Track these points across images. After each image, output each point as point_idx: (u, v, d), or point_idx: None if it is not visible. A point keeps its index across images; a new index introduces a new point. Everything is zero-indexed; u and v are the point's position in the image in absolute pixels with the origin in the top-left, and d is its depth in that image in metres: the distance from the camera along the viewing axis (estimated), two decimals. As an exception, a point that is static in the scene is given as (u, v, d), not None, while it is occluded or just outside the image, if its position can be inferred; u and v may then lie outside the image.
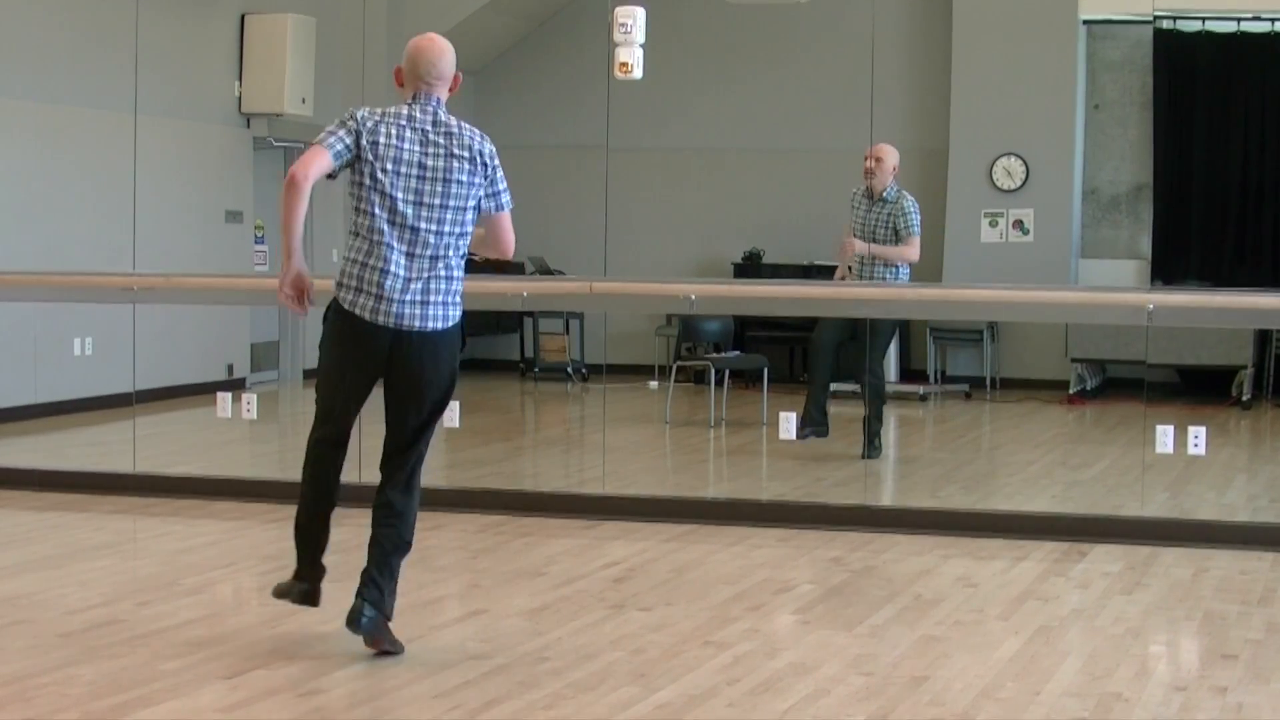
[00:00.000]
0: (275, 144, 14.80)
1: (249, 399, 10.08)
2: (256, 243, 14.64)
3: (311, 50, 14.51)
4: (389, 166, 5.53)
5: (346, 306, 5.55)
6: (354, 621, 5.59)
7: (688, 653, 5.78)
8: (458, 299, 5.67)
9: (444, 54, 5.71)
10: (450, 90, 5.71)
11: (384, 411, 5.73)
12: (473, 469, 10.20)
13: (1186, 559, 7.63)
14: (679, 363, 13.20)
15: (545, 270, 14.88)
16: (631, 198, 15.12)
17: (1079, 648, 6.00)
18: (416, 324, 5.55)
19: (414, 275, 5.54)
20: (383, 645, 5.64)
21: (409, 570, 6.33)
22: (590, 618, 6.31)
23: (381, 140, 5.54)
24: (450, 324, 5.63)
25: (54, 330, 12.18)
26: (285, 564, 7.37)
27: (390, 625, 5.68)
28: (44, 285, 10.10)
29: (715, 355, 12.78)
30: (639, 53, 9.28)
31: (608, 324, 15.04)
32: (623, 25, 9.27)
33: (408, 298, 5.53)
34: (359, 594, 5.64)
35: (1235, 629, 6.30)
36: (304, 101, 14.42)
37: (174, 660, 5.56)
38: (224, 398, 9.89)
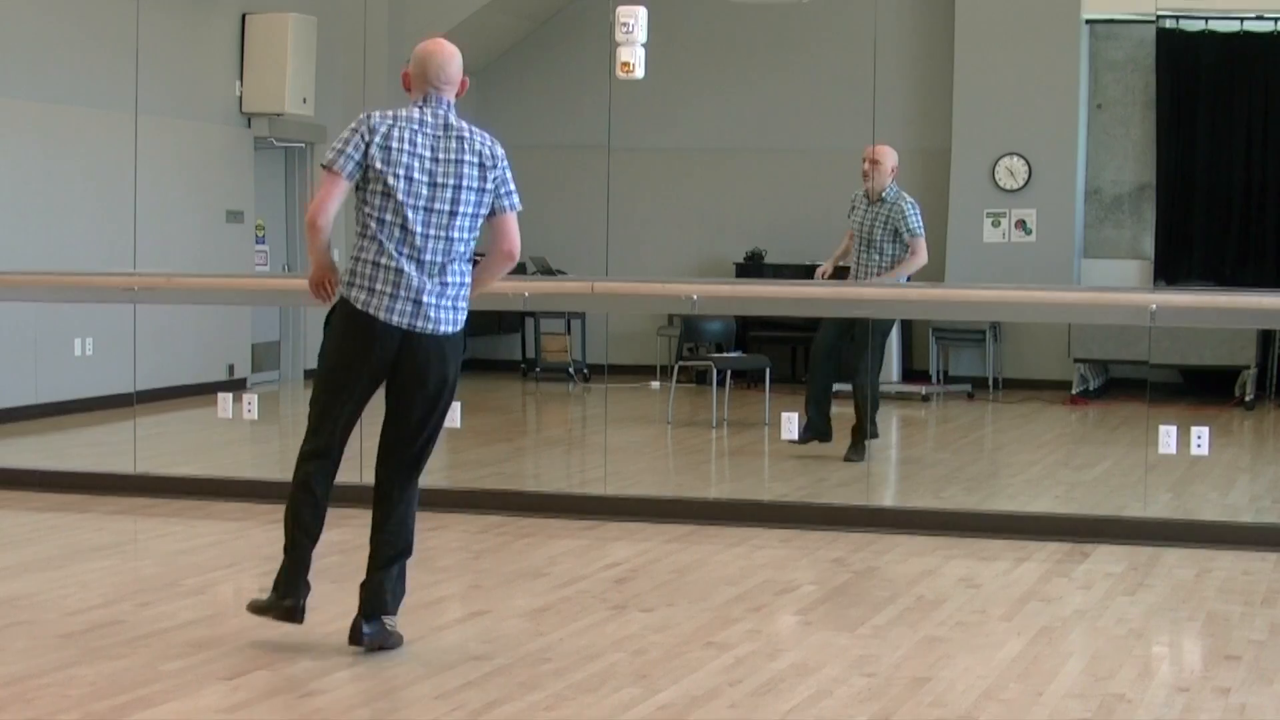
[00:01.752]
0: (276, 144, 14.79)
1: (250, 399, 10.06)
2: (257, 243, 14.63)
3: (312, 50, 14.50)
4: (400, 172, 5.54)
5: (360, 306, 5.55)
6: (356, 640, 5.65)
7: (689, 653, 5.77)
8: (464, 302, 5.68)
9: (453, 58, 5.70)
10: (458, 94, 5.71)
11: (385, 417, 5.71)
12: (474, 469, 10.19)
13: (1189, 560, 7.61)
14: (681, 363, 13.19)
15: (547, 270, 14.87)
16: (633, 198, 15.10)
17: (1082, 649, 5.98)
18: (430, 327, 5.57)
19: (426, 278, 5.55)
20: (384, 645, 5.66)
21: (410, 571, 6.31)
22: (592, 618, 6.30)
23: (394, 145, 5.54)
24: (458, 327, 5.66)
25: (54, 330, 12.17)
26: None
27: (394, 621, 5.70)
28: (44, 285, 10.09)
29: (717, 355, 12.77)
30: (641, 52, 9.28)
31: (609, 324, 15.03)
32: (624, 25, 9.26)
33: (422, 299, 5.54)
34: (361, 610, 5.68)
35: (1238, 630, 6.28)
36: (305, 101, 14.41)
37: (175, 661, 5.55)
38: (225, 398, 9.87)
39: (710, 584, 6.99)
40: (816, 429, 10.17)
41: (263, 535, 8.04)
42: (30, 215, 12.09)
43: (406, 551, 5.80)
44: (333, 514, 8.44)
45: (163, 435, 11.06)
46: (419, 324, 5.55)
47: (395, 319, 5.53)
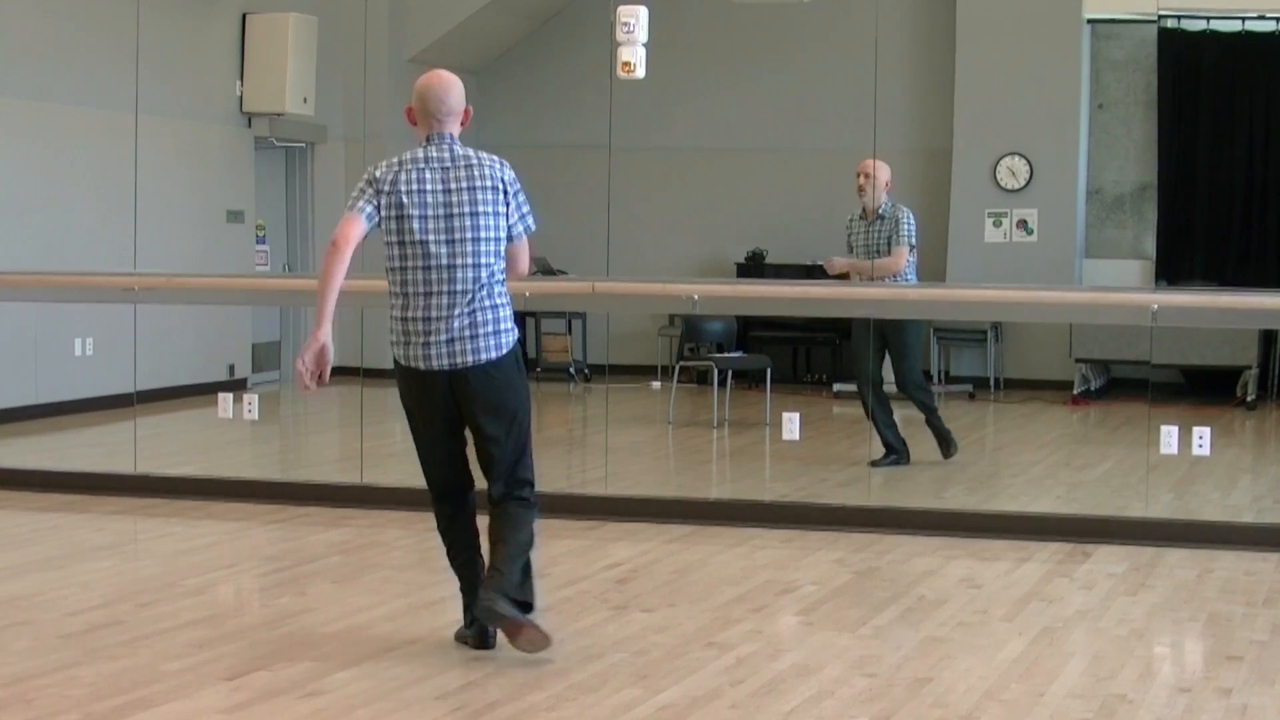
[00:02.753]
0: (277, 144, 14.79)
1: (250, 399, 10.06)
2: (258, 243, 14.62)
3: (313, 49, 14.49)
4: (414, 212, 5.58)
5: (403, 361, 5.65)
6: (482, 611, 5.58)
7: (690, 654, 5.77)
8: (508, 324, 5.70)
9: (450, 89, 5.72)
10: (462, 124, 5.73)
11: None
12: (475, 470, 10.14)
13: (1191, 560, 7.61)
14: (682, 363, 13.17)
15: (548, 270, 14.86)
16: (634, 197, 15.08)
17: (1083, 649, 5.98)
18: (470, 359, 5.60)
19: (457, 312, 5.58)
20: (524, 634, 5.59)
21: (411, 572, 6.33)
22: (593, 619, 6.29)
23: (403, 189, 5.58)
24: (504, 351, 5.66)
25: (55, 330, 12.16)
26: (287, 565, 7.37)
27: (532, 620, 5.64)
28: (45, 285, 10.09)
29: (718, 355, 12.75)
30: (642, 52, 9.26)
31: (610, 324, 15.01)
32: (625, 24, 9.25)
33: (454, 336, 5.58)
34: (483, 584, 5.64)
35: (1240, 630, 6.28)
36: (305, 101, 14.40)
37: (175, 661, 5.55)
38: (225, 398, 9.88)
39: (711, 584, 6.98)
40: (895, 451, 10.17)
41: (263, 535, 8.04)
42: (30, 215, 12.08)
43: (530, 543, 5.83)
44: (333, 514, 8.47)
45: (163, 435, 11.05)
46: (458, 360, 5.60)
47: (434, 364, 5.59)
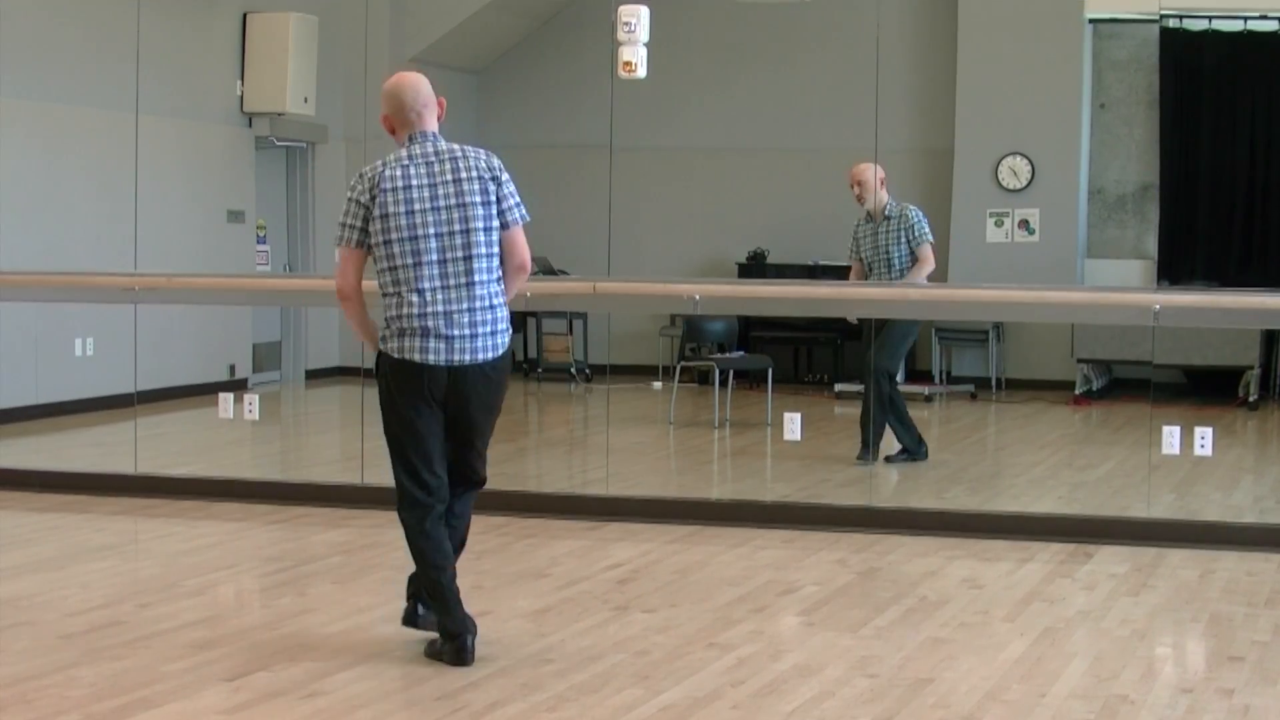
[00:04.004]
0: (277, 143, 14.78)
1: (251, 400, 10.05)
2: (258, 243, 14.61)
3: (314, 49, 14.49)
4: (402, 209, 5.55)
5: (397, 355, 5.58)
6: (411, 621, 5.80)
7: (692, 654, 5.76)
8: (505, 324, 5.69)
9: (419, 83, 5.73)
10: (439, 117, 5.71)
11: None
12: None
13: (1193, 560, 7.60)
14: (683, 363, 13.16)
15: (549, 270, 14.86)
16: (635, 197, 15.07)
17: (1085, 649, 5.97)
18: (469, 357, 5.58)
19: (455, 308, 5.56)
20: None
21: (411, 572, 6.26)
22: (594, 619, 6.28)
23: (387, 188, 5.56)
24: (501, 351, 5.66)
25: (55, 330, 12.15)
26: (288, 566, 7.36)
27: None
28: (45, 285, 10.08)
29: (719, 356, 12.74)
30: (643, 51, 9.25)
31: (611, 324, 15.01)
32: (627, 24, 9.24)
33: (455, 332, 5.56)
34: (412, 596, 5.81)
35: (1242, 631, 6.27)
36: (306, 101, 14.40)
37: (176, 662, 5.54)
38: (226, 398, 9.87)
39: (712, 585, 6.97)
40: (911, 448, 10.17)
41: (264, 536, 8.03)
42: (31, 215, 12.08)
43: (461, 546, 5.89)
44: (334, 515, 8.47)
45: (163, 436, 11.05)
46: (457, 358, 5.57)
47: (433, 358, 5.55)
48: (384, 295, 5.63)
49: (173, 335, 12.46)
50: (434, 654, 5.67)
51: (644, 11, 9.25)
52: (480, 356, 5.60)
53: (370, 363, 5.79)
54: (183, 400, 12.56)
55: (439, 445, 5.68)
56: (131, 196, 10.42)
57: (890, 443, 10.24)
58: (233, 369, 14.07)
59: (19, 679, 5.31)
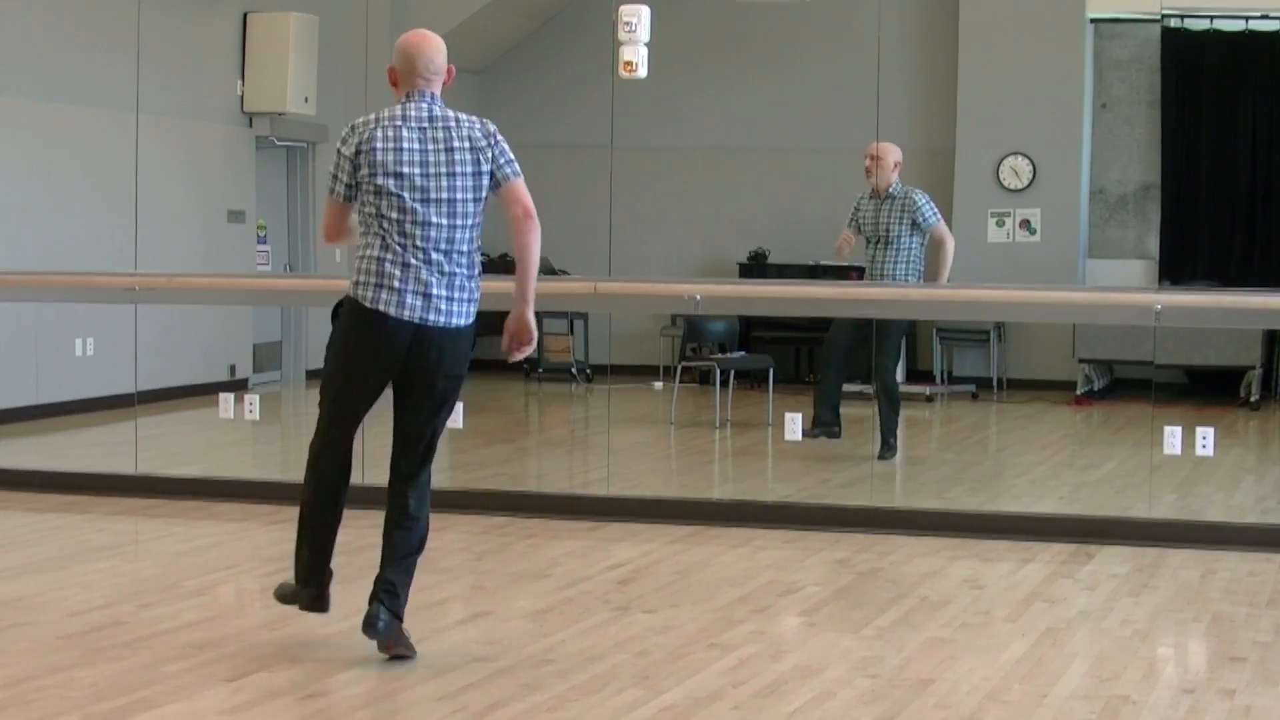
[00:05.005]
0: (278, 143, 14.77)
1: (251, 400, 10.04)
2: (259, 243, 14.61)
3: (314, 49, 14.48)
4: (390, 169, 5.52)
5: (368, 304, 5.51)
6: (370, 626, 5.57)
7: (693, 655, 5.75)
8: (476, 295, 5.65)
9: (439, 48, 5.69)
10: (445, 83, 5.68)
11: (394, 412, 5.68)
12: (477, 470, 10.16)
13: (1194, 561, 7.59)
14: (684, 363, 13.16)
15: (549, 270, 14.85)
16: (636, 197, 15.06)
17: (1086, 650, 5.96)
18: (441, 319, 5.54)
19: (433, 271, 5.52)
20: (396, 649, 5.61)
21: (414, 571, 6.25)
22: (595, 620, 6.28)
23: (379, 146, 5.53)
24: (469, 320, 5.62)
25: (55, 331, 12.15)
26: (288, 566, 7.34)
27: (404, 634, 5.64)
28: (45, 285, 10.07)
29: (720, 356, 12.74)
30: (644, 51, 9.25)
31: (612, 324, 15.00)
32: (627, 24, 9.24)
33: (431, 293, 5.51)
34: (374, 598, 5.62)
35: (1243, 631, 6.26)
36: (306, 100, 14.39)
37: (176, 662, 5.53)
38: (226, 398, 9.85)
39: (713, 585, 6.97)
40: (827, 425, 10.13)
41: (264, 536, 8.03)
42: (31, 215, 12.07)
43: (420, 548, 5.77)
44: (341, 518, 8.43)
45: (164, 436, 11.04)
46: (429, 317, 5.52)
47: (405, 314, 5.49)
48: (364, 234, 5.57)
49: (173, 335, 12.45)
50: (286, 597, 5.77)
51: (645, 11, 9.24)
52: (453, 321, 5.54)
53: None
54: (183, 400, 12.55)
55: (367, 402, 5.65)
56: (132, 196, 10.40)
57: (862, 429, 10.22)
58: (233, 369, 14.06)
59: (19, 679, 5.30)
